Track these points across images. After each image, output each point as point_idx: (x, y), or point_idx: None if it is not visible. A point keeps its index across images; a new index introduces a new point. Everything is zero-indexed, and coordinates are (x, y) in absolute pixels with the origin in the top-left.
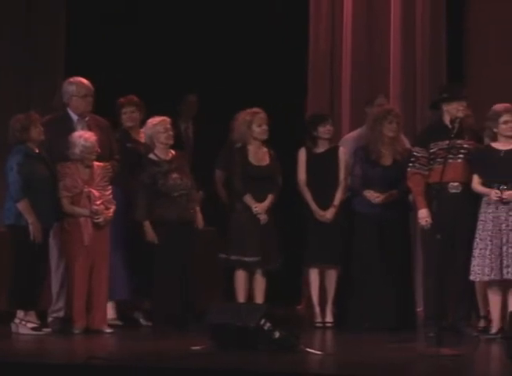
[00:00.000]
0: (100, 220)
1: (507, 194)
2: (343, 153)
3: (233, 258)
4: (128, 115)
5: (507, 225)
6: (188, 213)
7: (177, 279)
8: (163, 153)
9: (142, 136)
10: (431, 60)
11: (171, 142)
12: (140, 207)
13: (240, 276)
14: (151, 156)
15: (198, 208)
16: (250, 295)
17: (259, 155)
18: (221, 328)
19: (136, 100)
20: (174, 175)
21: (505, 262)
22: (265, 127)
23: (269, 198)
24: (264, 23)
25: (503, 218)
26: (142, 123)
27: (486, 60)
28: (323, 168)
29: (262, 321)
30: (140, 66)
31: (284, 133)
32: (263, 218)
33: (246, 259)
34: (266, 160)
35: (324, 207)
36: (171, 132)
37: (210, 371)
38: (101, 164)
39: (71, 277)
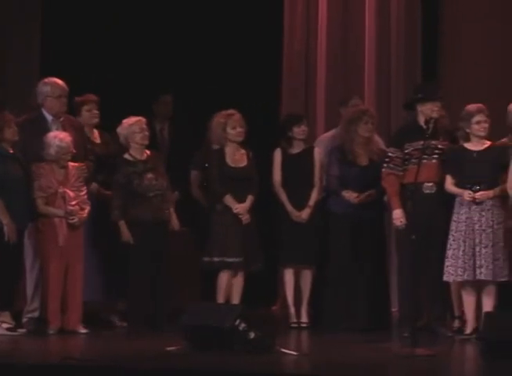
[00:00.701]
0: (75, 221)
1: (480, 195)
2: (318, 154)
3: (216, 259)
4: (89, 113)
5: (480, 226)
6: (163, 213)
7: (152, 279)
8: (138, 153)
9: (97, 136)
10: (406, 61)
11: (147, 142)
12: (115, 208)
13: (224, 277)
14: (126, 156)
15: (172, 209)
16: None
17: (237, 157)
18: (196, 329)
19: (95, 99)
20: (150, 176)
21: (478, 262)
22: (239, 129)
23: (249, 199)
24: (239, 25)
25: (476, 218)
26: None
27: (460, 61)
28: (299, 169)
29: (237, 322)
30: (115, 67)
31: (259, 134)
32: (246, 218)
33: (229, 260)
34: (244, 162)
35: (299, 207)
36: (146, 133)
37: (185, 372)
38: (76, 164)
39: (46, 278)
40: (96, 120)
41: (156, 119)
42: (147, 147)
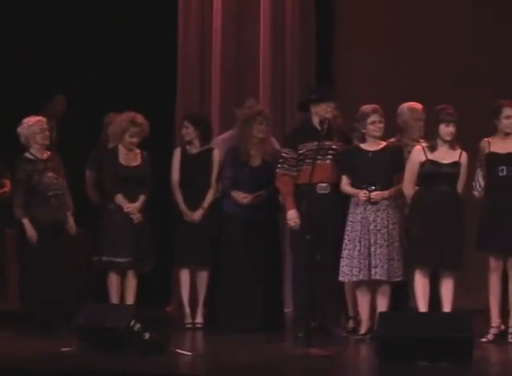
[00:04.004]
0: None
1: (375, 195)
2: (217, 155)
3: (105, 259)
4: None
5: (375, 226)
6: (61, 214)
7: (47, 280)
8: (39, 152)
9: None
10: (300, 62)
11: (48, 142)
12: (17, 206)
13: (113, 277)
14: (27, 154)
15: (70, 213)
16: (121, 296)
17: (130, 156)
18: (91, 329)
19: None
20: (50, 174)
21: (373, 262)
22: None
23: (141, 199)
24: (133, 24)
25: (372, 218)
26: None
27: (354, 62)
28: (197, 169)
29: (132, 322)
30: (5, 66)
31: (158, 133)
32: (137, 217)
33: (119, 260)
34: (137, 161)
35: (195, 208)
36: (47, 132)
37: (80, 373)
38: None
39: None
40: None
41: (47, 119)
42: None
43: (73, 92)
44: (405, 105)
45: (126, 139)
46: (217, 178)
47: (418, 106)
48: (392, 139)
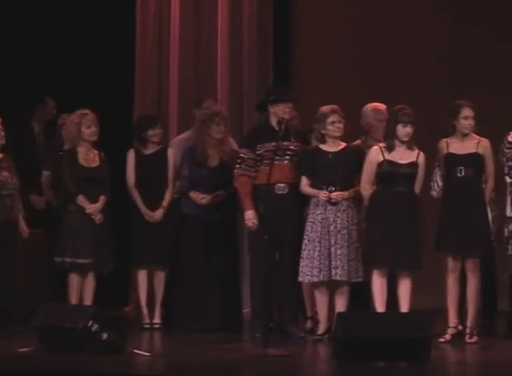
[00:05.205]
0: None
1: (336, 195)
2: (171, 155)
3: (68, 260)
4: None
5: (336, 227)
6: (14, 214)
7: (2, 280)
8: None
9: None
10: (258, 63)
11: (3, 142)
12: None
13: (74, 278)
14: None
15: (21, 216)
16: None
17: (89, 157)
18: (49, 330)
19: None
20: (5, 173)
21: (333, 263)
22: (94, 128)
23: (102, 199)
24: (90, 22)
25: (332, 219)
26: None
27: (313, 63)
28: (152, 170)
29: (90, 323)
30: None
31: (113, 134)
32: (98, 218)
33: (80, 261)
34: (96, 162)
35: (153, 208)
36: (2, 133)
37: (38, 373)
38: None
39: None
40: None
41: (38, 123)
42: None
43: (28, 91)
44: (369, 106)
45: (85, 133)
46: (173, 178)
47: (381, 106)
48: (358, 141)
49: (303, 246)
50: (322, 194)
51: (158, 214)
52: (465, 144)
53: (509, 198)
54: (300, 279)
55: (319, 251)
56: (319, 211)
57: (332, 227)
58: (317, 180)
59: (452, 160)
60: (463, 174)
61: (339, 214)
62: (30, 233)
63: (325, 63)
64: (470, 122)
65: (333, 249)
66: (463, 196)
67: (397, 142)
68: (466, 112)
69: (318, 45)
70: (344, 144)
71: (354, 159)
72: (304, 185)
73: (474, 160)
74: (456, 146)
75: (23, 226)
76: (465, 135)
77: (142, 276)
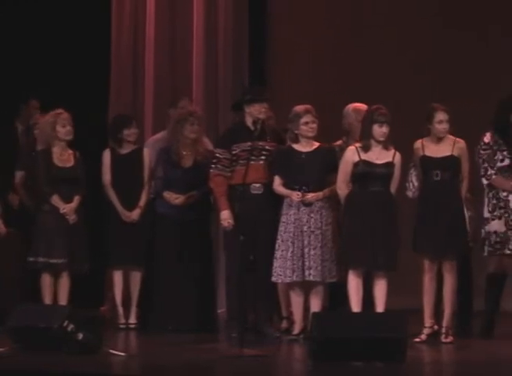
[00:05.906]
0: None
1: (310, 197)
2: (147, 155)
3: (41, 260)
4: None
5: (309, 227)
6: None
7: None
8: None
9: None
10: (234, 63)
11: None
12: None
13: (46, 278)
14: None
15: None
16: (54, 296)
17: (64, 157)
18: (24, 330)
19: None
20: None
21: (307, 263)
22: (69, 127)
23: (76, 199)
24: (65, 22)
25: (305, 220)
26: None
27: (288, 63)
28: (128, 170)
29: (65, 322)
30: None
31: (88, 134)
32: (73, 218)
33: (54, 261)
34: (71, 162)
35: (130, 208)
36: None
37: (13, 373)
38: None
39: None
40: None
41: (22, 123)
42: None
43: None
44: (350, 107)
45: (60, 132)
46: (149, 178)
47: (363, 107)
48: (339, 142)
49: (276, 246)
50: (295, 195)
51: (135, 214)
52: (440, 146)
53: (486, 199)
54: (273, 279)
55: (292, 251)
56: (292, 212)
57: (305, 228)
58: (290, 180)
59: (428, 163)
60: (439, 178)
61: (312, 214)
62: (6, 231)
63: (301, 63)
64: (445, 126)
65: (306, 250)
66: (440, 199)
67: (373, 142)
68: (441, 116)
69: (295, 45)
70: (317, 144)
71: (327, 159)
72: (277, 184)
73: (449, 164)
74: (432, 149)
75: (0, 225)
76: (440, 139)
77: (117, 276)
